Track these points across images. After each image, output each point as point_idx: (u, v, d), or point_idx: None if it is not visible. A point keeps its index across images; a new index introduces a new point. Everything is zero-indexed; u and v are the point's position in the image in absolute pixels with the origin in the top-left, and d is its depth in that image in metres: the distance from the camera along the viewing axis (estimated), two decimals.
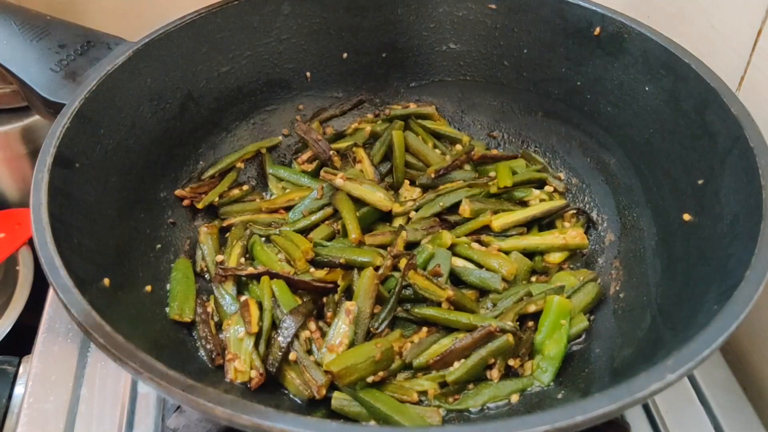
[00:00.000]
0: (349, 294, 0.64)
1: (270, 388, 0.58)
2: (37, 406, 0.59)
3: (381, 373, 0.57)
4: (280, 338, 0.58)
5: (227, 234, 0.72)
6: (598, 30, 0.69)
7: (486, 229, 0.71)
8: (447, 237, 0.68)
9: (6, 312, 0.68)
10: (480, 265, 0.66)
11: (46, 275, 0.46)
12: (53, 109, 0.64)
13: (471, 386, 0.58)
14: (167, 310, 0.62)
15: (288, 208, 0.75)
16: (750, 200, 0.51)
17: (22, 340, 0.66)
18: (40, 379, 0.61)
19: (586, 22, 0.70)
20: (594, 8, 0.69)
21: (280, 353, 0.58)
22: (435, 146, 0.81)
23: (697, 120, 0.61)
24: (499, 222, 0.70)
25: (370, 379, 0.56)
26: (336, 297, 0.63)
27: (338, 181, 0.71)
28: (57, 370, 0.61)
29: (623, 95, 0.69)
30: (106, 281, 0.55)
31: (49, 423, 0.58)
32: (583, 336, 0.62)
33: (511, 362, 0.59)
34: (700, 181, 0.59)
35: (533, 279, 0.68)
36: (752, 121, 0.55)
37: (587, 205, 0.74)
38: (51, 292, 0.68)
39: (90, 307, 0.44)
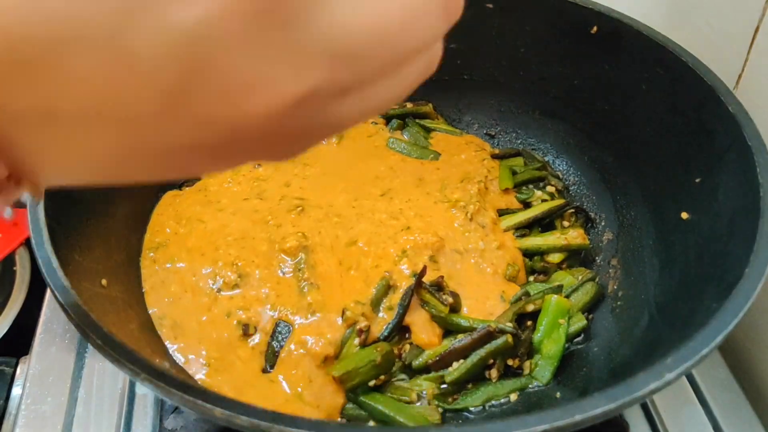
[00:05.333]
0: None
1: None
2: (34, 408, 0.58)
3: (382, 377, 0.57)
4: (274, 343, 0.58)
5: None
6: (594, 28, 0.69)
7: None
8: None
9: (3, 313, 0.68)
10: None
11: (43, 276, 0.46)
12: None
13: (470, 385, 0.58)
14: None
15: None
16: (748, 198, 0.51)
17: (19, 340, 0.65)
18: (38, 380, 0.60)
19: (583, 20, 0.69)
20: (590, 7, 0.69)
21: (274, 358, 0.57)
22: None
23: (694, 118, 0.60)
24: (503, 224, 0.70)
25: (371, 383, 0.56)
26: None
27: None
28: (54, 371, 0.61)
29: (620, 93, 0.69)
30: (104, 281, 0.55)
31: (47, 424, 0.57)
32: (582, 335, 0.62)
33: (509, 362, 0.59)
34: (698, 180, 0.59)
35: (531, 278, 0.68)
36: (750, 119, 0.55)
37: (585, 204, 0.74)
38: (48, 293, 0.68)
39: (87, 308, 0.44)
